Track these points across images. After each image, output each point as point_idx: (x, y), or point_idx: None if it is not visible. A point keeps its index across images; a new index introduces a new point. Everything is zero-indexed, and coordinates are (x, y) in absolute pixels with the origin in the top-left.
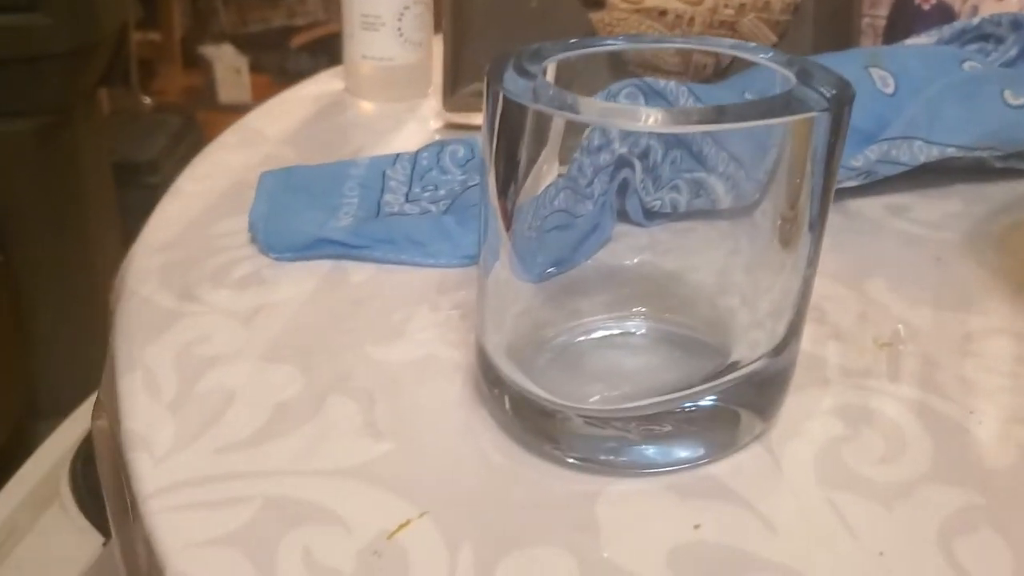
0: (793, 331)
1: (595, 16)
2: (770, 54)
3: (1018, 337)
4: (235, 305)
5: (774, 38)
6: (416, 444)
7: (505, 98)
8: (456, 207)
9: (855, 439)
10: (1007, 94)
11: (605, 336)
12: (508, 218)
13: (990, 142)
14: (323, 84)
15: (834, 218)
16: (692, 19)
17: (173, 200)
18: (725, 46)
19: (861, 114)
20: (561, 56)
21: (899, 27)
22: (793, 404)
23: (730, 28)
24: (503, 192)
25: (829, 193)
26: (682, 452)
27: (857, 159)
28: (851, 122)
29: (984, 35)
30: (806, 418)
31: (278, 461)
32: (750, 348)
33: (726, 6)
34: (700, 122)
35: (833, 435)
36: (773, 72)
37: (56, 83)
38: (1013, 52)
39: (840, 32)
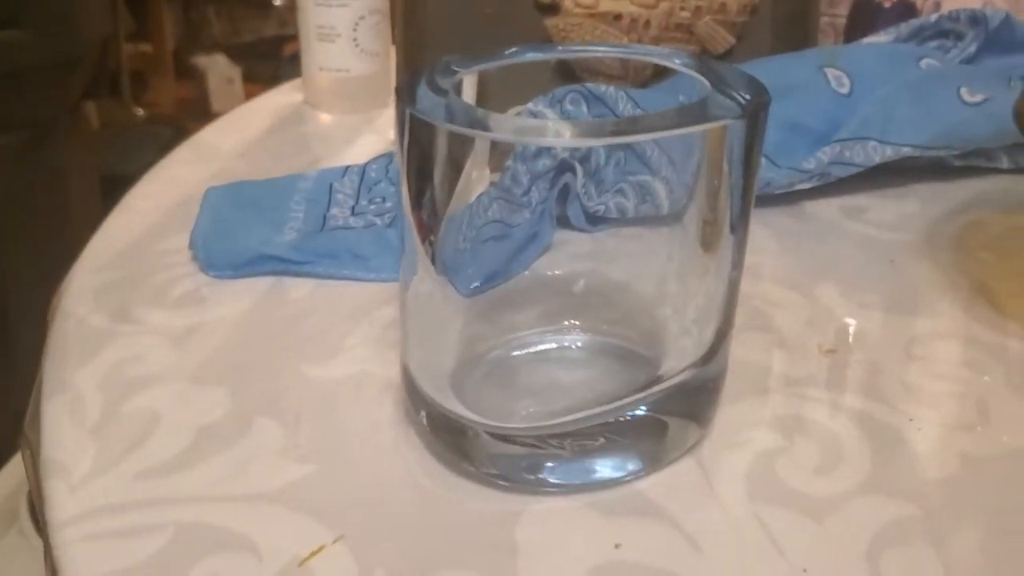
0: (721, 338)
1: (550, 22)
2: (685, 60)
3: (968, 340)
4: (171, 324)
5: (732, 40)
6: (339, 466)
7: (414, 117)
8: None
9: (790, 450)
10: (963, 92)
11: (541, 350)
12: (425, 232)
13: (946, 141)
14: (284, 96)
15: (788, 221)
16: (648, 22)
17: (120, 216)
18: (639, 53)
19: (814, 115)
20: (474, 69)
21: (860, 25)
22: (730, 415)
23: (686, 31)
24: (417, 205)
25: (749, 195)
26: (609, 468)
27: (809, 161)
28: (804, 123)
29: (943, 32)
30: (742, 430)
31: (196, 486)
32: (679, 357)
33: (682, 9)
34: (611, 134)
35: (768, 447)
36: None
37: (39, 97)
38: (972, 48)
39: (798, 33)
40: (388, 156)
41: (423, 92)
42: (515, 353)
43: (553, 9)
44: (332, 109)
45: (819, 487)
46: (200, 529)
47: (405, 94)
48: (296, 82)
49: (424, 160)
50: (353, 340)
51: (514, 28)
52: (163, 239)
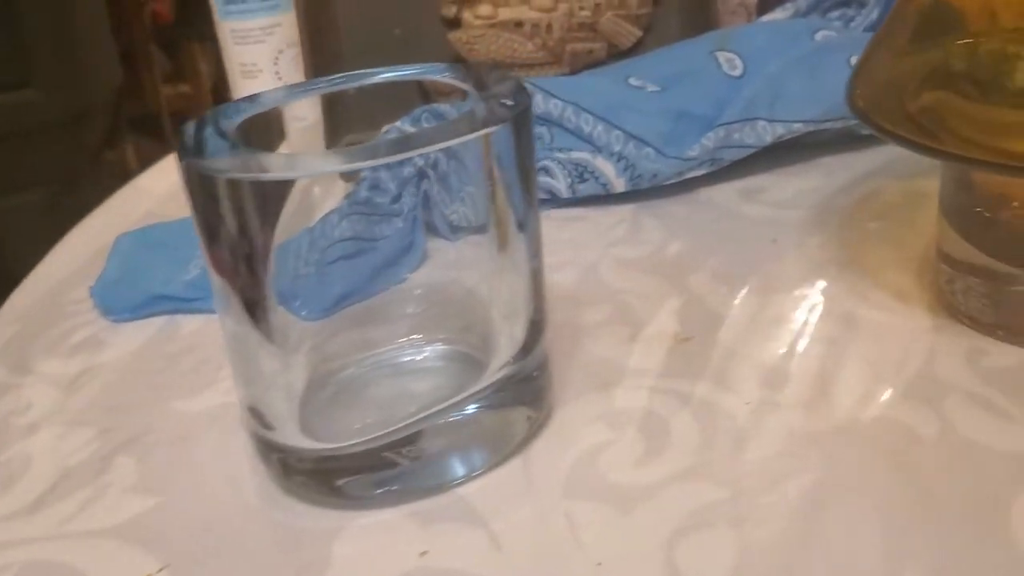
0: (534, 331)
1: (453, 36)
2: (449, 72)
3: (831, 316)
4: (64, 371)
5: (638, 32)
6: (184, 497)
7: (191, 164)
8: None
9: (617, 444)
10: (854, 60)
11: (392, 364)
12: (227, 271)
13: (839, 113)
14: None
15: (681, 210)
16: (549, 26)
17: (42, 269)
18: (407, 73)
19: (704, 101)
20: (258, 110)
21: (771, 2)
22: (568, 413)
23: (590, 29)
24: (213, 246)
25: (530, 192)
26: (437, 474)
27: (693, 149)
28: (692, 110)
29: (845, 0)
30: (576, 427)
31: (46, 526)
32: (500, 356)
33: (581, 8)
34: (385, 155)
35: (597, 442)
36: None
37: (56, 152)
38: (875, 15)
39: (702, 18)
40: None
41: (208, 135)
42: (365, 370)
43: (457, 24)
44: None
45: (635, 478)
46: (40, 567)
47: (184, 142)
48: None
49: (210, 202)
50: (227, 372)
51: (424, 47)
52: (74, 289)
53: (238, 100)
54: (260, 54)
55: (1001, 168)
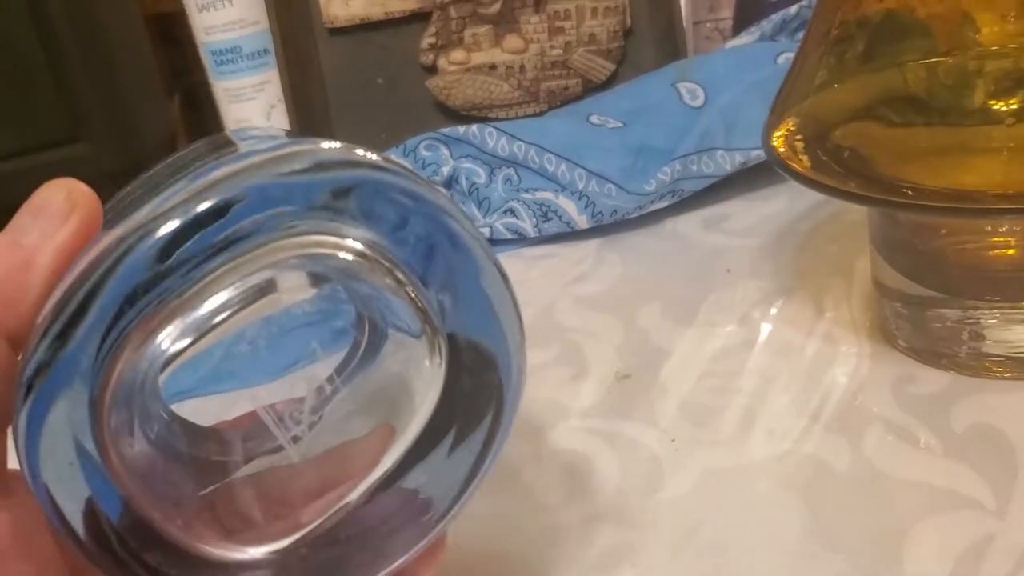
0: None
1: (430, 83)
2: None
3: (773, 350)
4: None
5: (611, 66)
6: None
7: None
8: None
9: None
10: None
11: None
12: None
13: None
14: None
15: (646, 242)
16: (523, 67)
17: None
18: None
19: (666, 133)
20: None
21: (748, 24)
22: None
23: (563, 67)
24: None
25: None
26: None
27: (650, 183)
28: (651, 144)
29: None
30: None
31: None
32: None
33: (552, 47)
34: None
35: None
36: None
37: None
38: None
39: (674, 46)
40: None
41: None
42: None
43: (434, 70)
44: None
45: (549, 520)
46: None
47: None
48: None
49: None
50: None
51: (405, 93)
52: None
53: None
54: (254, 110)
55: (938, 211)
